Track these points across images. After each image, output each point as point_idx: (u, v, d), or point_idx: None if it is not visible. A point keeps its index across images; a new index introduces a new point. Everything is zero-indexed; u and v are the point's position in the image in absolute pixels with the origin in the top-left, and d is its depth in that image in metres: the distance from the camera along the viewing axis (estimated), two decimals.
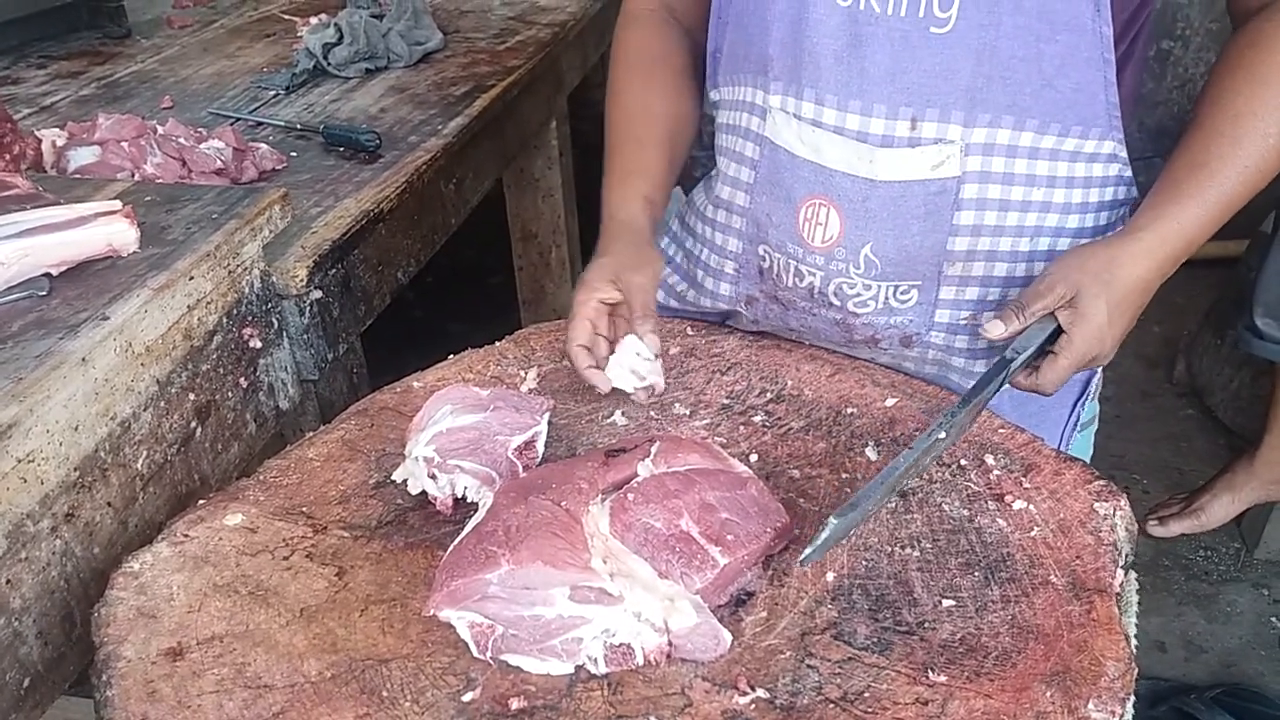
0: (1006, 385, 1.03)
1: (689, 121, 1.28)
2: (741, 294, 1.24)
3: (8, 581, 0.89)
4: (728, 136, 1.21)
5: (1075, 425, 1.21)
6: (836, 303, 1.14)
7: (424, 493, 0.99)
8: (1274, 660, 1.96)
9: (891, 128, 1.04)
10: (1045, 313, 1.02)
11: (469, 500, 0.98)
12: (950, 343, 1.16)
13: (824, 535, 0.88)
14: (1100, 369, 1.27)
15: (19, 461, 0.89)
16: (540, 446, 1.04)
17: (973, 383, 1.06)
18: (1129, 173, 1.11)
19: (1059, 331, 1.02)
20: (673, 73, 1.26)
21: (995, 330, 1.03)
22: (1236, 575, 2.15)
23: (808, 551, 0.88)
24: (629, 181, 1.22)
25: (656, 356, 1.10)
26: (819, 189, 1.09)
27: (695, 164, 1.40)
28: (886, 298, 1.12)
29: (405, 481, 1.01)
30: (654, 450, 0.95)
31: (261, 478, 1.03)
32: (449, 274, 2.91)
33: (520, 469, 1.00)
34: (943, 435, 0.97)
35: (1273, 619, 2.05)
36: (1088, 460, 1.28)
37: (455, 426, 1.01)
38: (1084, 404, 1.21)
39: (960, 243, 1.09)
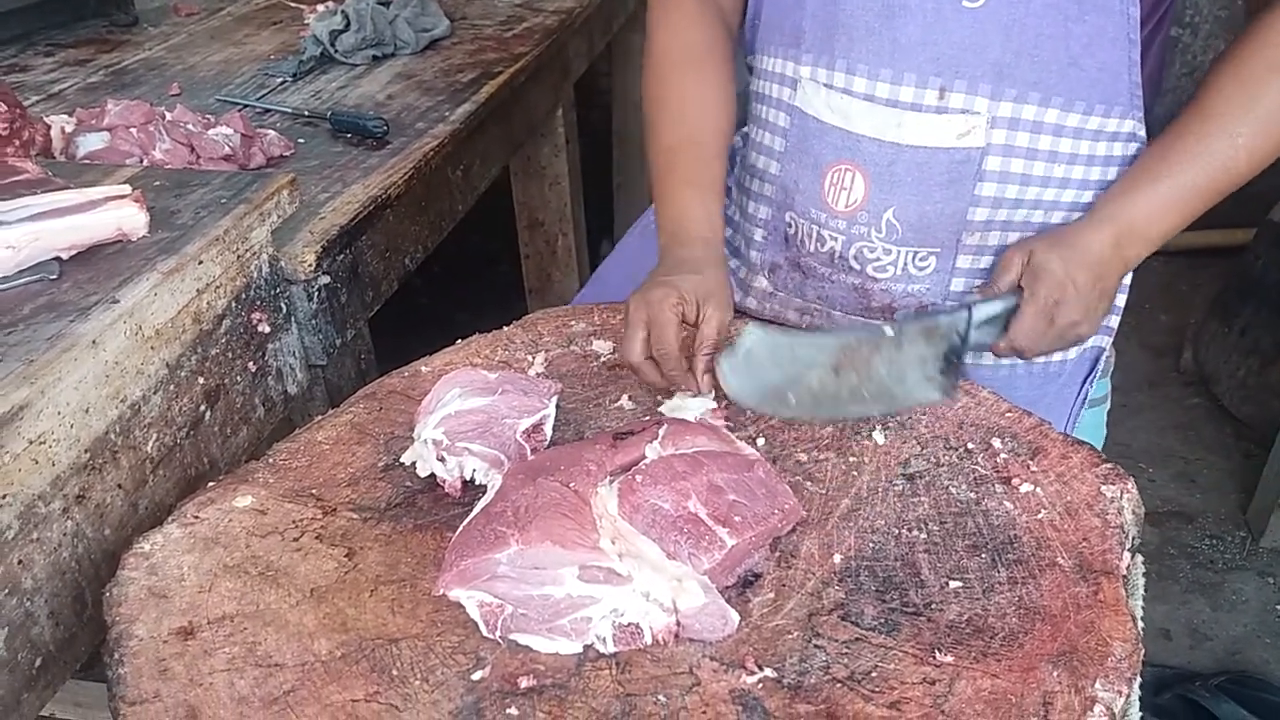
0: (996, 360, 1.05)
1: (734, 117, 1.26)
2: (767, 261, 1.26)
3: (19, 562, 0.90)
4: (760, 106, 1.23)
5: (1083, 402, 1.22)
6: (856, 267, 1.17)
7: (432, 475, 1.00)
8: (1279, 648, 1.96)
9: (920, 95, 1.07)
10: (1011, 285, 1.05)
11: (477, 483, 0.98)
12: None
13: (743, 342, 0.90)
14: (1110, 351, 1.28)
15: (30, 443, 0.90)
16: (548, 429, 1.04)
17: (981, 362, 1.07)
18: None
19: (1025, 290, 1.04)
20: (719, 67, 1.24)
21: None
22: (1242, 564, 2.15)
23: (726, 360, 0.90)
24: (705, 196, 1.18)
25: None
26: (846, 154, 1.12)
27: None
28: (905, 263, 1.15)
29: (414, 464, 1.01)
30: (662, 433, 0.95)
31: (271, 460, 1.04)
32: (455, 262, 2.91)
33: (528, 452, 1.00)
34: (888, 331, 0.98)
35: (1278, 607, 2.05)
36: (1101, 438, 1.29)
37: (464, 409, 1.02)
38: (1093, 381, 1.22)
39: (980, 213, 1.12)
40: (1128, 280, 1.15)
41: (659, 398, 1.11)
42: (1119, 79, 1.07)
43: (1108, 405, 1.33)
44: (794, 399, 0.96)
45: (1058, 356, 1.20)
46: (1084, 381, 1.22)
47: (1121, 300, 1.17)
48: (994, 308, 1.04)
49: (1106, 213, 1.06)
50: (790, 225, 1.21)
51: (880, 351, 0.99)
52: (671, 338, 1.03)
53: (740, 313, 1.28)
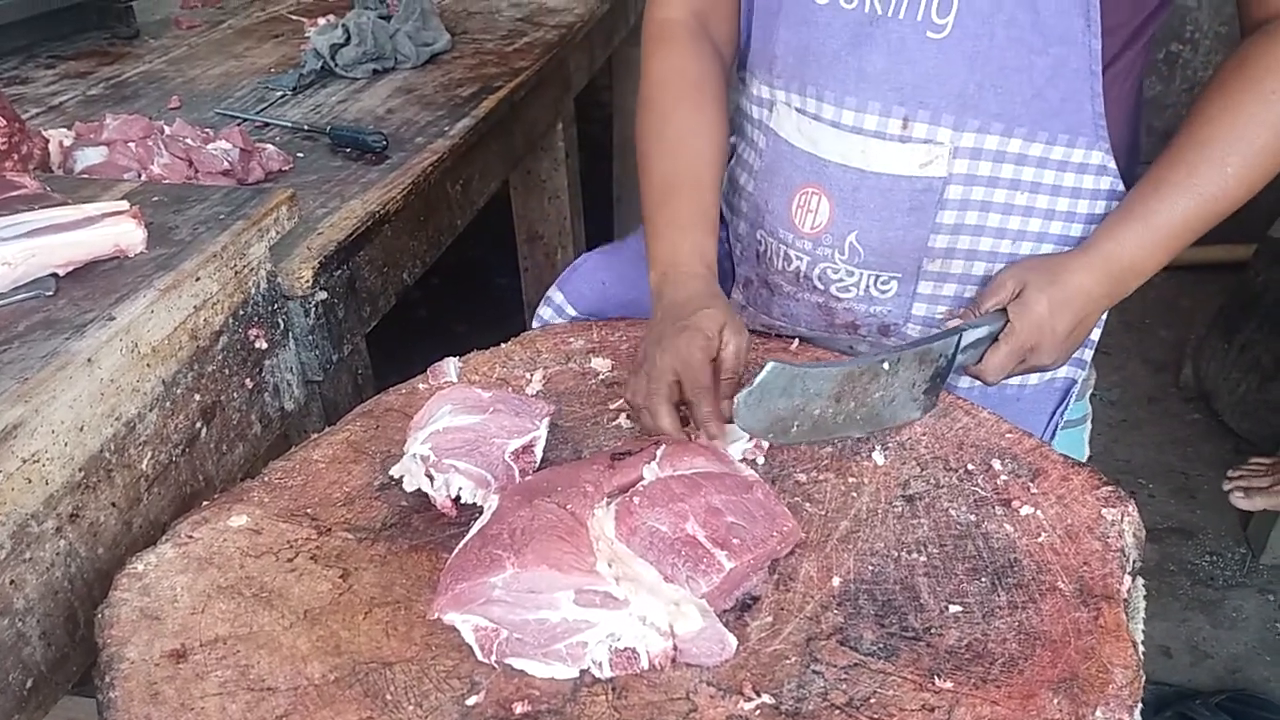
0: (974, 384, 1.07)
1: (726, 149, 1.25)
2: (741, 276, 1.28)
3: (11, 582, 0.89)
4: (745, 124, 1.24)
5: (1054, 431, 1.23)
6: (820, 287, 1.19)
7: (426, 495, 0.99)
8: (1279, 666, 1.95)
9: (884, 124, 1.08)
10: (998, 308, 1.06)
11: (464, 501, 0.97)
12: (926, 335, 1.16)
13: (760, 377, 0.90)
14: (1090, 373, 1.28)
15: (24, 462, 0.89)
16: (539, 451, 1.03)
17: (952, 379, 1.08)
18: (1121, 186, 1.13)
19: (1008, 323, 1.06)
20: (712, 99, 1.22)
21: (953, 325, 1.06)
22: (1242, 581, 2.14)
23: (745, 392, 0.90)
24: (700, 232, 1.15)
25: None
26: (813, 177, 1.14)
27: None
28: (868, 286, 1.17)
29: (403, 477, 1.01)
30: (659, 453, 0.95)
31: (266, 479, 1.03)
32: (455, 275, 2.91)
33: (517, 473, 1.00)
34: (885, 366, 0.99)
35: (1278, 624, 2.04)
36: (1084, 458, 1.29)
37: (453, 426, 1.01)
38: (1063, 411, 1.23)
39: (941, 240, 1.13)
40: (1104, 315, 1.15)
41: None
42: (1081, 110, 1.07)
43: (1088, 426, 1.34)
44: (796, 427, 0.97)
45: (1015, 381, 1.21)
46: (1055, 411, 1.22)
47: (1096, 334, 1.18)
48: (981, 332, 1.06)
49: (1100, 251, 1.06)
50: (760, 243, 1.23)
51: (878, 379, 1.00)
52: (706, 379, 1.00)
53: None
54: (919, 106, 1.06)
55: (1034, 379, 1.22)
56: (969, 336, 1.04)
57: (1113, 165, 1.11)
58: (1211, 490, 2.36)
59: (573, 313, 1.37)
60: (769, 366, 0.92)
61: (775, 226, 1.19)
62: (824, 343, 1.23)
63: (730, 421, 0.98)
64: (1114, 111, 1.08)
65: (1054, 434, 1.22)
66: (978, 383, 1.20)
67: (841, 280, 1.17)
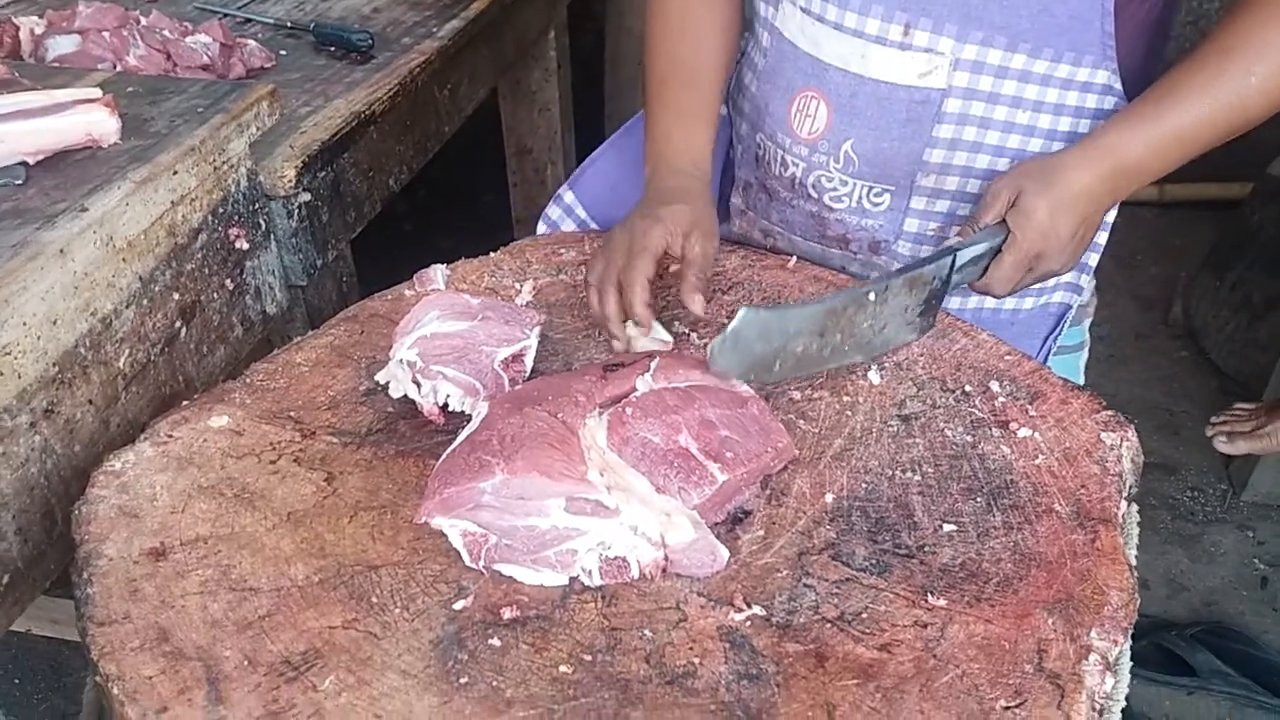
0: (973, 298, 1.04)
1: (736, 46, 1.24)
2: (740, 179, 1.26)
3: None
4: (753, 21, 1.21)
5: (1046, 356, 1.21)
6: (814, 195, 1.17)
7: (413, 401, 0.96)
8: (1254, 600, 1.97)
9: (885, 29, 1.06)
10: (996, 220, 1.03)
11: (452, 409, 0.95)
12: (916, 253, 1.17)
13: (733, 324, 0.89)
14: (1090, 302, 1.26)
15: None
16: (529, 361, 1.01)
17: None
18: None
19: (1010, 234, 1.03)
20: None
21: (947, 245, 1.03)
22: (1222, 516, 2.16)
23: (717, 340, 0.89)
24: (694, 126, 1.17)
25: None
26: (813, 81, 1.11)
27: None
28: (860, 197, 1.15)
29: (389, 384, 0.98)
30: (653, 365, 0.92)
31: (248, 380, 1.00)
32: (440, 190, 2.85)
33: (507, 382, 0.97)
34: (871, 297, 0.97)
35: (1255, 560, 2.06)
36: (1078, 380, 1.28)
37: (441, 332, 0.98)
38: (1056, 336, 1.21)
39: (936, 154, 1.11)
40: (1110, 216, 1.12)
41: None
42: (1090, 27, 1.03)
43: (1084, 354, 1.32)
44: (779, 365, 0.94)
45: (1010, 304, 1.19)
46: (1048, 336, 1.20)
47: (1102, 238, 1.14)
48: (977, 249, 1.02)
49: (1101, 146, 1.02)
50: (760, 146, 1.21)
51: (864, 310, 0.98)
52: (644, 266, 1.02)
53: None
54: (921, 14, 1.03)
55: (1028, 302, 1.20)
56: (964, 255, 1.01)
57: (1119, 86, 1.07)
58: (1196, 427, 2.36)
59: (582, 214, 1.33)
60: (741, 313, 0.89)
61: (774, 130, 1.17)
62: (818, 260, 1.21)
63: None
64: (1126, 31, 1.04)
65: (1046, 358, 1.20)
66: (970, 304, 1.18)
67: (835, 190, 1.15)
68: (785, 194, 1.20)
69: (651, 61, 1.21)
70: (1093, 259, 1.16)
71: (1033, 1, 1.01)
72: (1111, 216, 1.13)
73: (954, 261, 1.01)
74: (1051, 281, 1.15)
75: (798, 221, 1.21)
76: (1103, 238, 1.13)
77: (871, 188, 1.14)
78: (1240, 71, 0.98)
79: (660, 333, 1.05)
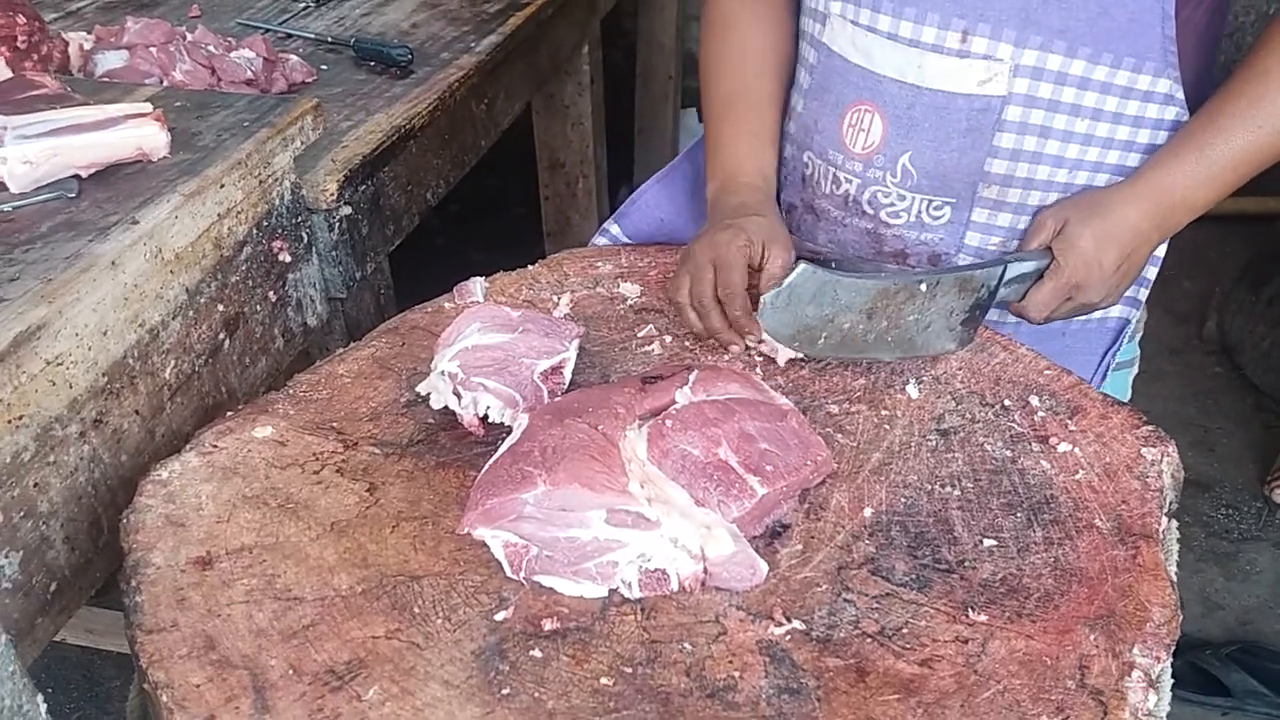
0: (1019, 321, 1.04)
1: (792, 65, 1.24)
2: (785, 202, 1.25)
3: (35, 485, 0.88)
4: (800, 40, 1.21)
5: (1105, 371, 1.20)
6: (870, 212, 1.15)
7: (453, 413, 0.97)
8: None
9: (942, 37, 1.05)
10: (1041, 246, 1.04)
11: (491, 421, 0.96)
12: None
13: (790, 278, 0.88)
14: (1142, 313, 1.25)
15: (48, 364, 0.88)
16: (568, 373, 1.02)
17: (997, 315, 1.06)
18: (1187, 117, 1.08)
19: (1053, 260, 1.03)
20: (779, 12, 1.23)
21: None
22: (1257, 534, 2.13)
23: (772, 292, 0.88)
24: (762, 146, 1.19)
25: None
26: (866, 94, 1.11)
27: None
28: (920, 211, 1.13)
29: (429, 395, 0.99)
30: (692, 378, 0.93)
31: (291, 392, 1.02)
32: (473, 203, 2.87)
33: (545, 394, 0.98)
34: (923, 287, 0.97)
35: None
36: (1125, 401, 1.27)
37: (482, 344, 0.99)
38: (1115, 352, 1.20)
39: (998, 165, 1.09)
40: (1161, 251, 1.12)
41: (692, 344, 1.09)
42: (1150, 31, 1.02)
43: (1135, 369, 1.31)
44: (823, 339, 0.94)
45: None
46: (1106, 353, 1.19)
47: (1152, 272, 1.14)
48: (1027, 266, 1.03)
49: (1149, 183, 1.03)
50: (807, 165, 1.20)
51: (914, 300, 0.98)
52: (739, 279, 1.02)
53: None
54: (979, 19, 1.02)
55: (1081, 319, 1.18)
56: (1014, 269, 1.02)
57: (1180, 95, 1.05)
58: (1230, 444, 2.35)
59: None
60: (800, 268, 0.89)
61: (825, 147, 1.16)
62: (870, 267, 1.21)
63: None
64: (1184, 38, 1.03)
65: (1105, 375, 1.19)
66: (1022, 322, 1.17)
67: (893, 205, 1.13)
68: (837, 213, 1.18)
69: (715, 83, 1.22)
70: (1151, 272, 1.15)
71: (1091, 4, 1.00)
72: (1162, 251, 1.12)
73: (1004, 273, 1.01)
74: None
75: (850, 240, 1.19)
76: (1152, 272, 1.13)
77: (931, 201, 1.12)
78: (1278, 95, 0.98)
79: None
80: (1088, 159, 1.08)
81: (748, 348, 1.07)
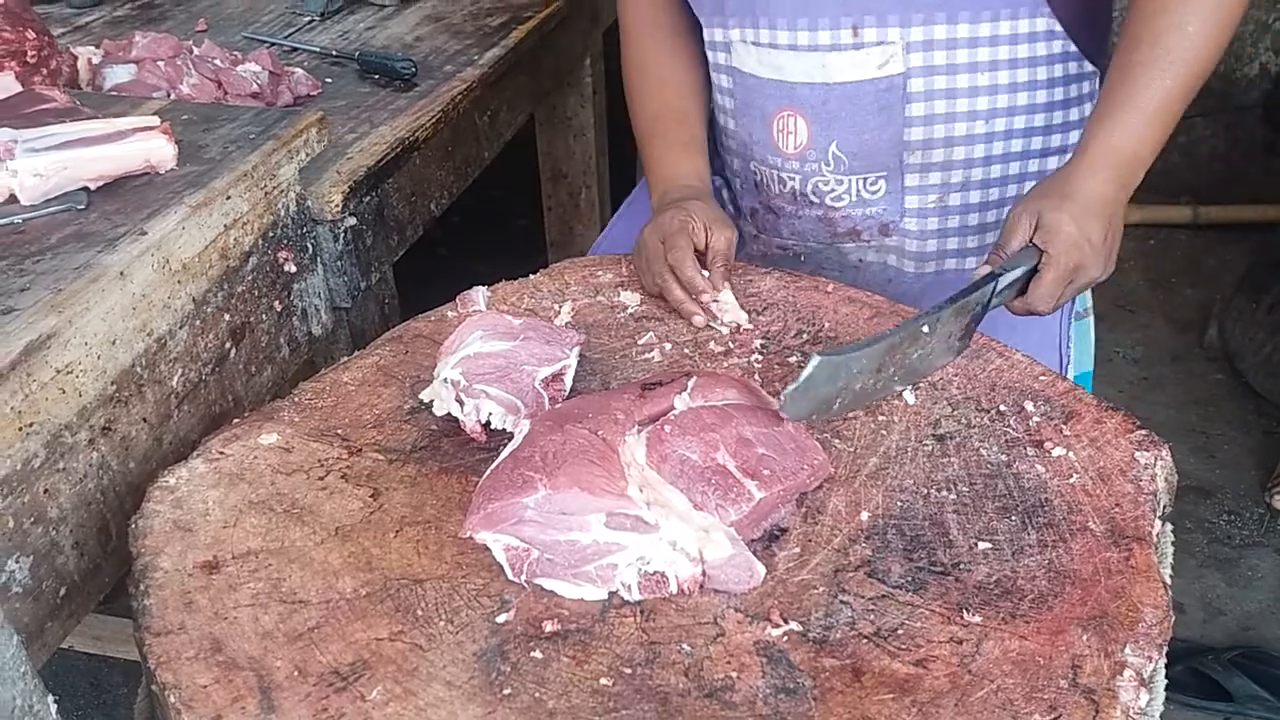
0: (1002, 308, 1.06)
1: (708, 87, 1.35)
2: (745, 207, 1.37)
3: (46, 491, 0.90)
4: (711, 72, 1.32)
5: (1070, 318, 1.26)
6: (816, 200, 1.27)
7: (456, 419, 0.99)
8: None
9: (837, 36, 1.16)
10: (1022, 245, 1.05)
11: (493, 427, 0.98)
12: (924, 226, 1.26)
13: (806, 372, 0.90)
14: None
15: (58, 372, 0.90)
16: (568, 380, 1.03)
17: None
18: (1075, 48, 1.19)
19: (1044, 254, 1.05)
20: (689, 42, 1.34)
21: (983, 274, 1.05)
22: (1259, 540, 2.14)
23: (791, 388, 0.90)
24: (693, 154, 1.29)
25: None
26: (785, 101, 1.22)
27: None
28: (858, 190, 1.25)
29: (432, 402, 1.01)
30: (691, 384, 0.94)
31: (296, 399, 1.03)
32: (476, 214, 2.89)
33: (547, 401, 1.00)
34: (925, 329, 0.98)
35: None
36: (1091, 345, 1.37)
37: (484, 352, 1.01)
38: (1071, 305, 1.25)
39: (916, 133, 1.20)
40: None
41: (686, 337, 1.12)
42: None
43: (1091, 317, 1.37)
44: (839, 403, 0.96)
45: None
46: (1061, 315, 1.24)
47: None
48: (1016, 274, 1.04)
49: (1100, 150, 1.06)
50: (755, 173, 1.31)
51: (918, 342, 0.99)
52: (685, 243, 1.12)
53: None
54: (864, 13, 1.14)
55: None
56: (1005, 279, 1.03)
57: (1059, 29, 1.15)
58: (1232, 450, 2.35)
59: None
60: (815, 361, 0.89)
61: (764, 155, 1.27)
62: (835, 258, 1.29)
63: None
64: None
65: (1070, 319, 1.24)
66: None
67: (833, 190, 1.24)
68: (790, 208, 1.29)
69: (640, 110, 1.34)
70: None
71: None
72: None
73: (995, 287, 1.02)
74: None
75: (808, 229, 1.30)
76: None
77: (865, 179, 1.23)
78: (1174, 29, 1.03)
79: (735, 309, 1.13)
80: (1000, 105, 1.19)
81: (708, 326, 1.13)
